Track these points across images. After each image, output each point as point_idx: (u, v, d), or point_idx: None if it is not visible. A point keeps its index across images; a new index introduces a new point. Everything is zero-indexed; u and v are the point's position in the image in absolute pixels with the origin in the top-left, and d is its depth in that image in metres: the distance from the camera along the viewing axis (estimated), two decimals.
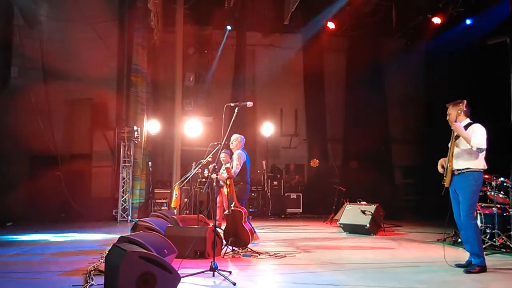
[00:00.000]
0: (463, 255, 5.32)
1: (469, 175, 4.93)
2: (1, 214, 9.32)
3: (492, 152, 5.11)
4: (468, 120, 5.11)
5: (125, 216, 10.48)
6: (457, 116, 4.99)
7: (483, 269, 4.82)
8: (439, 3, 11.62)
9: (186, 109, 12.93)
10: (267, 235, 8.21)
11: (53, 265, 5.18)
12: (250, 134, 12.58)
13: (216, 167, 5.20)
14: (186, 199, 10.81)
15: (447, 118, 5.13)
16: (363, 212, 8.32)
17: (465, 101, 5.04)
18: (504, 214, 6.47)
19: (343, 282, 4.42)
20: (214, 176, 6.97)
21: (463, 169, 4.97)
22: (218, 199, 8.12)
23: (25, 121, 10.82)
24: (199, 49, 13.87)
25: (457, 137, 5.02)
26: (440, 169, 5.19)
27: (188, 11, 12.53)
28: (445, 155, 5.16)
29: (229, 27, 13.30)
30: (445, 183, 5.08)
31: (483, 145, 4.86)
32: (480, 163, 4.96)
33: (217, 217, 7.96)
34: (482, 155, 4.97)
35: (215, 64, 13.91)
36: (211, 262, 4.49)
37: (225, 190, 6.49)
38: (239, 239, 6.18)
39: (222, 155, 7.53)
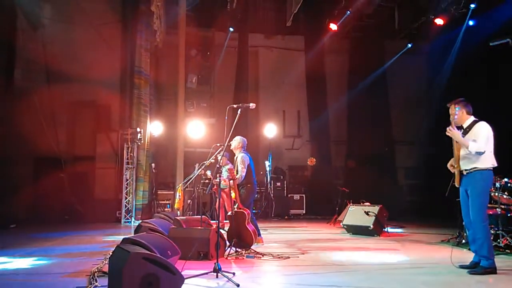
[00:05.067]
0: (468, 256, 5.29)
1: (476, 174, 4.87)
2: (5, 216, 9.34)
3: (496, 153, 5.06)
4: (472, 118, 5.02)
5: (129, 218, 10.50)
6: (462, 116, 4.98)
7: (492, 271, 4.73)
8: (442, 4, 11.60)
9: (188, 111, 12.94)
10: (271, 236, 8.21)
11: (56, 266, 5.19)
12: (253, 136, 12.60)
13: (220, 169, 5.19)
14: (189, 201, 10.82)
15: (450, 119, 5.10)
16: (367, 213, 8.31)
17: (459, 99, 5.03)
18: (508, 215, 6.44)
19: (346, 284, 4.40)
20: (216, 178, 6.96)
21: (470, 169, 4.91)
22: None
23: (29, 123, 10.86)
24: (201, 51, 13.88)
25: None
26: (450, 168, 5.15)
27: (191, 13, 12.55)
28: (448, 155, 5.14)
29: (231, 29, 13.32)
30: (455, 184, 5.06)
31: (482, 149, 4.78)
32: (487, 162, 4.85)
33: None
34: (490, 152, 4.85)
35: (217, 66, 13.94)
36: (215, 263, 4.49)
37: (232, 194, 6.48)
38: (243, 240, 6.18)
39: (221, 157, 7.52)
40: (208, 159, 7.50)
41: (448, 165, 5.16)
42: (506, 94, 9.64)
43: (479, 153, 4.81)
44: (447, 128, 4.93)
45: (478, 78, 10.65)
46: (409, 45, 13.63)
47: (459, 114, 5.03)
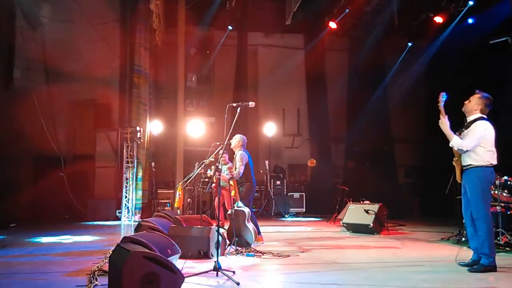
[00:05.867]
0: (468, 254, 5.29)
1: (471, 172, 4.86)
2: (4, 215, 9.34)
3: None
4: (478, 115, 4.97)
5: (129, 216, 10.50)
6: (473, 110, 4.99)
7: (493, 269, 4.72)
8: (441, 2, 11.60)
9: (188, 110, 12.93)
10: (271, 235, 8.21)
11: (57, 265, 5.18)
12: (253, 134, 12.59)
13: (219, 167, 5.18)
14: (189, 199, 10.82)
15: (464, 102, 5.09)
16: (367, 211, 8.31)
17: (484, 94, 5.02)
18: (508, 212, 6.44)
19: (346, 282, 4.40)
20: (216, 176, 6.95)
21: (466, 166, 4.91)
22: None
23: (28, 123, 10.85)
24: (201, 49, 13.87)
25: (461, 132, 4.99)
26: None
27: (190, 11, 12.54)
28: (448, 153, 5.15)
29: (230, 27, 13.31)
30: (457, 179, 5.08)
31: (464, 147, 4.80)
32: (483, 159, 4.80)
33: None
34: (488, 150, 4.80)
35: (217, 65, 13.93)
36: (215, 262, 4.49)
37: (232, 192, 6.48)
38: (242, 238, 6.18)
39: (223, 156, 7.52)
40: (207, 158, 7.50)
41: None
42: (506, 92, 9.63)
43: (461, 151, 4.88)
44: (441, 119, 4.97)
45: (477, 76, 10.63)
46: (409, 44, 13.63)
47: (474, 107, 5.01)
